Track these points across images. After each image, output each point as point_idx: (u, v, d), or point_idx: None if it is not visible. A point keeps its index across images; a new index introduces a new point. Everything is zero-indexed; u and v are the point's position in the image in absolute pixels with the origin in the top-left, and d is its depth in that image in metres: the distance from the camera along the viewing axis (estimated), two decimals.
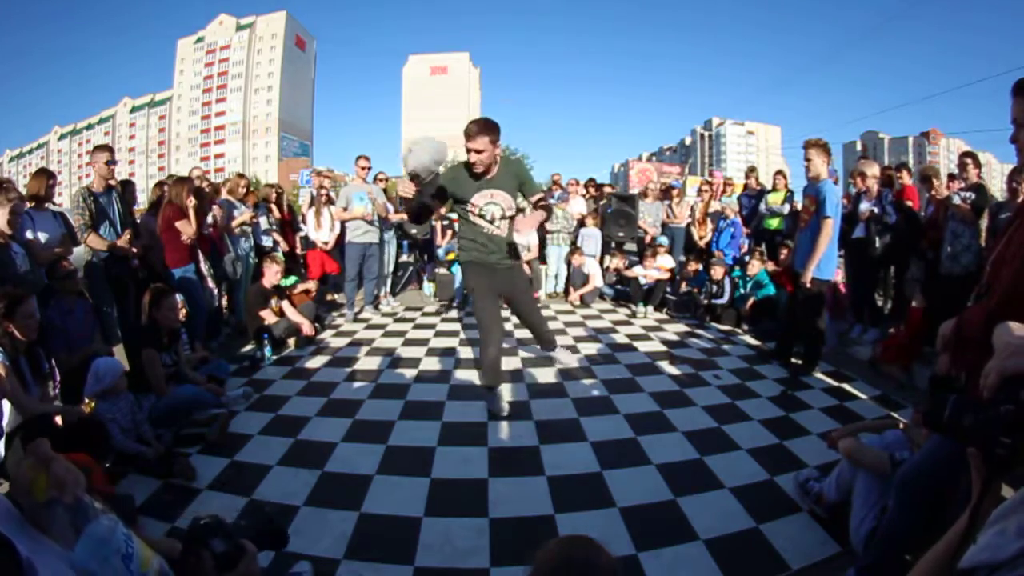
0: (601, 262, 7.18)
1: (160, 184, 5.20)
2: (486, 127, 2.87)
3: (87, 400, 2.66)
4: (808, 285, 3.81)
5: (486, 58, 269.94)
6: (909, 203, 5.11)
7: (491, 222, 3.10)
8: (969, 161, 4.36)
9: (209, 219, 4.75)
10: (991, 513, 0.59)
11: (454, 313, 6.08)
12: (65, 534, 0.55)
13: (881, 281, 5.53)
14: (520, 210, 6.74)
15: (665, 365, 4.19)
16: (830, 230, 3.72)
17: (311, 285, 5.86)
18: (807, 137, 3.98)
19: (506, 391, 3.44)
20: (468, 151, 2.95)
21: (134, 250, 3.97)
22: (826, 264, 3.82)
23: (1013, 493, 0.60)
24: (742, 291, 5.63)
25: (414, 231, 7.20)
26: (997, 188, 7.42)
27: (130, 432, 2.66)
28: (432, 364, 4.21)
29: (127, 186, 4.79)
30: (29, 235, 3.35)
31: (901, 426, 2.26)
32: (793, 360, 4.18)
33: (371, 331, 5.29)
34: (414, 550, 2.00)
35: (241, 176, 5.84)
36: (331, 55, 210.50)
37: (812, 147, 3.86)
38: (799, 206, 6.55)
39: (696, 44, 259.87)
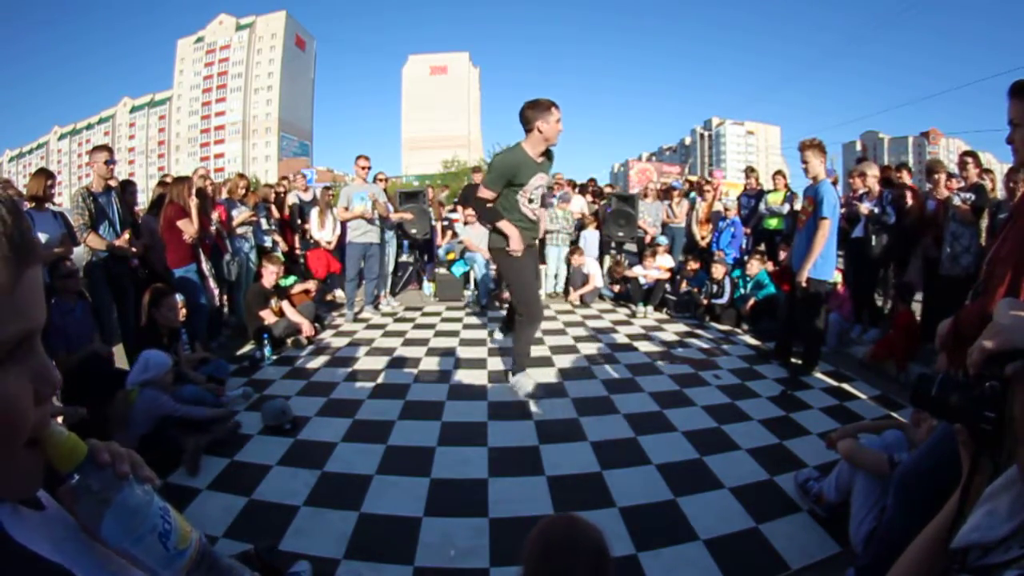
0: (601, 262, 7.19)
1: (161, 183, 5.20)
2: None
3: (129, 388, 2.75)
4: (804, 284, 3.82)
5: (486, 58, 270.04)
6: (909, 198, 5.09)
7: (534, 204, 3.36)
8: (970, 160, 4.34)
9: (212, 229, 4.75)
10: (981, 492, 0.59)
11: (460, 314, 6.08)
12: (93, 512, 0.49)
13: (881, 281, 5.53)
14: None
15: (665, 365, 4.19)
16: (826, 231, 3.73)
17: (311, 285, 5.86)
18: (805, 137, 4.00)
19: (531, 375, 3.57)
20: (554, 131, 3.17)
21: (134, 250, 3.97)
22: (824, 265, 3.82)
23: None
24: (742, 291, 5.63)
25: (414, 231, 7.20)
26: (997, 188, 7.42)
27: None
28: (432, 364, 4.21)
29: (127, 186, 4.79)
30: None
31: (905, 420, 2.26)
32: (793, 360, 4.18)
33: (371, 331, 5.29)
34: (414, 550, 2.00)
35: (241, 176, 5.84)
36: (331, 55, 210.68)
37: (808, 148, 3.87)
38: (799, 206, 6.57)
39: (696, 44, 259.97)
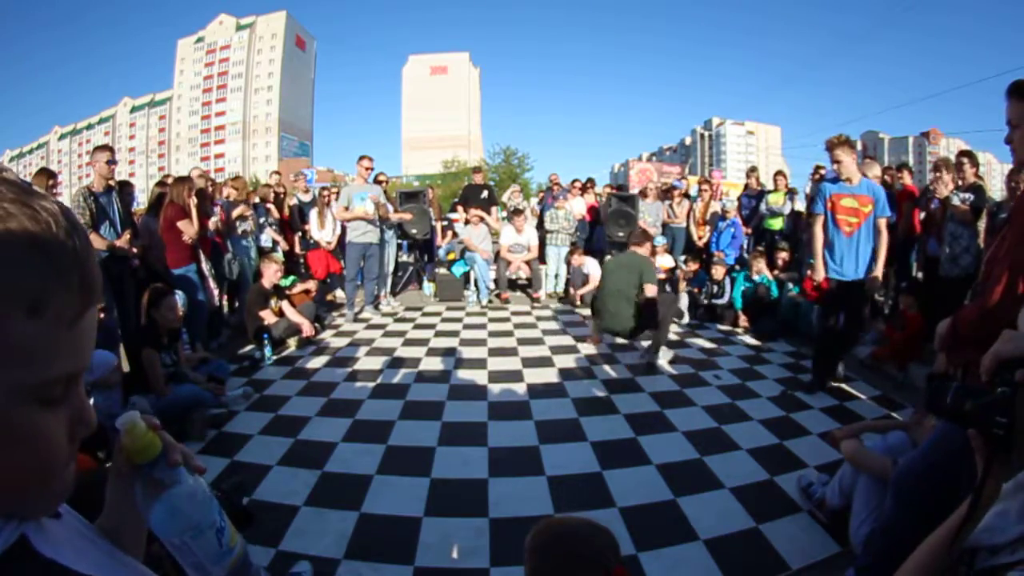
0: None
1: (161, 183, 5.20)
2: None
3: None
4: (873, 285, 3.50)
5: (486, 58, 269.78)
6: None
7: None
8: (966, 161, 4.33)
9: (211, 225, 4.76)
10: (994, 496, 0.59)
11: (460, 314, 6.09)
12: (149, 500, 0.51)
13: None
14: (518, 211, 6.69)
15: (665, 365, 4.19)
16: (887, 231, 3.47)
17: (311, 285, 5.86)
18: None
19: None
20: None
21: (134, 250, 3.97)
22: (868, 263, 3.45)
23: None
24: (744, 288, 5.59)
25: (414, 231, 7.21)
26: (997, 188, 7.42)
27: None
28: (432, 364, 4.21)
29: (124, 187, 4.79)
30: None
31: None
32: (836, 384, 3.75)
33: (371, 331, 5.29)
34: (414, 550, 2.00)
35: (236, 178, 5.89)
36: (331, 55, 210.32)
37: (838, 146, 3.39)
38: (800, 206, 6.57)
39: (696, 44, 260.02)
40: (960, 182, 4.31)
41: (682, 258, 6.82)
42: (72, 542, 0.45)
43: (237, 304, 5.49)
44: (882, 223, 3.44)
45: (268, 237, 5.94)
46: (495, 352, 4.52)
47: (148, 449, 0.51)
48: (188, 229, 4.29)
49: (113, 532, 0.53)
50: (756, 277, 5.55)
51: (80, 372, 0.41)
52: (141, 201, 9.96)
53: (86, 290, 0.38)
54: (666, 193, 7.77)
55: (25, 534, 0.39)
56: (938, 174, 4.39)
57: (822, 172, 6.48)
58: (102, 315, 3.58)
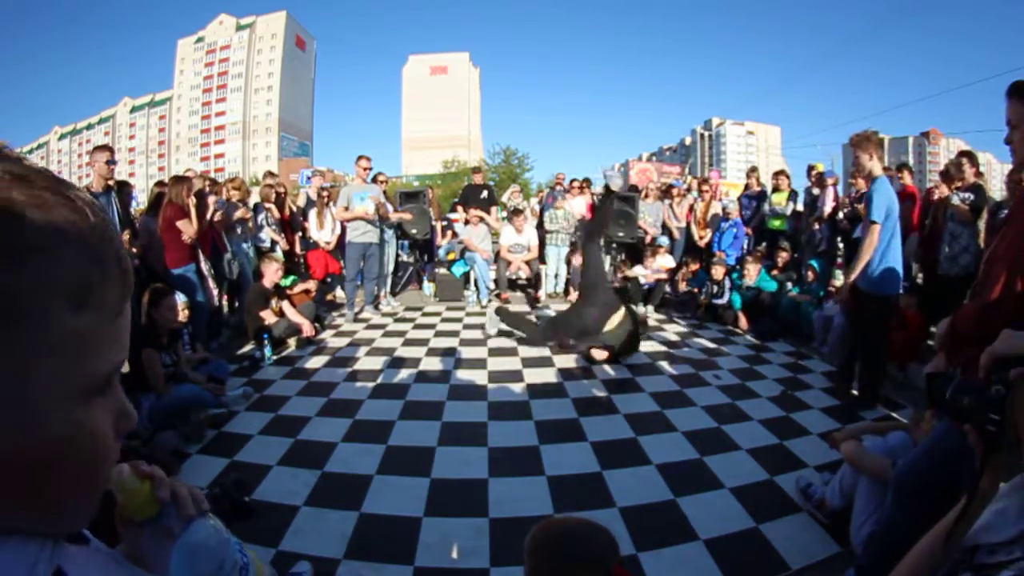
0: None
1: (160, 184, 5.21)
2: None
3: None
4: (841, 297, 3.24)
5: (486, 58, 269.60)
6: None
7: None
8: (965, 161, 4.34)
9: (212, 203, 4.77)
10: (990, 492, 0.60)
11: (460, 314, 6.09)
12: (161, 551, 0.47)
13: None
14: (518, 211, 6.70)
15: (665, 365, 4.19)
16: (875, 237, 3.18)
17: (311, 285, 5.86)
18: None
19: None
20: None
21: (133, 250, 3.97)
22: (889, 278, 3.21)
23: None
24: (740, 290, 5.60)
25: (414, 231, 7.21)
26: (997, 188, 7.43)
27: None
28: (432, 364, 4.21)
29: (123, 187, 4.80)
30: None
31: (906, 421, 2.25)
32: (853, 391, 3.61)
33: (371, 331, 5.29)
34: (414, 550, 2.00)
35: (233, 179, 5.92)
36: (331, 55, 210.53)
37: (855, 145, 3.28)
38: (801, 207, 6.57)
39: (696, 44, 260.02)
40: (960, 182, 4.32)
41: (676, 258, 6.82)
42: (102, 571, 0.42)
43: (237, 304, 5.49)
44: (871, 229, 3.18)
45: (267, 236, 5.95)
46: (495, 352, 4.52)
47: (148, 506, 0.46)
48: (187, 229, 4.28)
49: (139, 559, 0.49)
50: (751, 281, 5.54)
51: (122, 364, 0.39)
52: (141, 201, 9.96)
53: (126, 280, 0.38)
54: (666, 193, 7.78)
55: (61, 567, 0.36)
56: (957, 183, 4.34)
57: (820, 171, 6.48)
58: None
